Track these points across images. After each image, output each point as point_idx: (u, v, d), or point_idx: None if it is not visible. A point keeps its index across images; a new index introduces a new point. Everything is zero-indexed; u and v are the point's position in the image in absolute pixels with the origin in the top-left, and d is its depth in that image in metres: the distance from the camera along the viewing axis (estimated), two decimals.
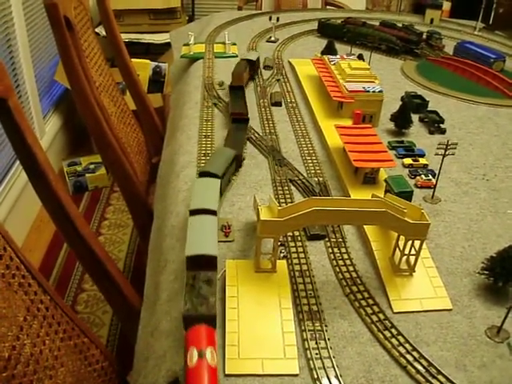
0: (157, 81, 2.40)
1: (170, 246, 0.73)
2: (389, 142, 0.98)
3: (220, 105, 1.12)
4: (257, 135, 1.00)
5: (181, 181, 0.87)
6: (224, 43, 1.47)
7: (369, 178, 0.81)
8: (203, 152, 0.93)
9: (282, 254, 0.68)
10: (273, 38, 1.58)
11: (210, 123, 1.04)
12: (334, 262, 0.68)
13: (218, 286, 0.63)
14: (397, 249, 0.66)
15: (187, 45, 1.46)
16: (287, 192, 0.81)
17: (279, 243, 0.68)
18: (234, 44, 1.50)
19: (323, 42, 1.44)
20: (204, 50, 1.46)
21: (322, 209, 0.57)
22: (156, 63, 2.38)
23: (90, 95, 1.06)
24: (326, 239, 0.72)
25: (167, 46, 2.61)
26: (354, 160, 0.80)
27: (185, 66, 1.49)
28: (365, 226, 0.72)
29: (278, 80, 1.27)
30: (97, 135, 1.09)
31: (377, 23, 1.62)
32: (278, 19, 1.56)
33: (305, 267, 0.66)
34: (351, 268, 0.66)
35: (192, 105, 1.16)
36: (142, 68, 2.29)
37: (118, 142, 1.08)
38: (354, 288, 0.63)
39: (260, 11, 2.07)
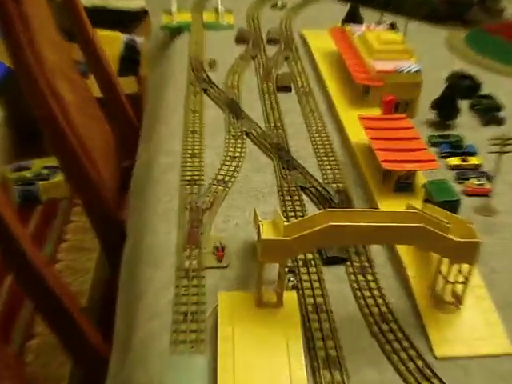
0: (130, 59, 2.42)
1: (146, 273, 0.75)
2: (429, 137, 0.99)
3: (211, 91, 1.15)
4: (259, 130, 1.02)
5: (161, 189, 0.89)
6: (216, 10, 1.49)
7: (402, 184, 0.83)
8: (189, 152, 0.95)
9: (290, 284, 0.69)
10: (279, 3, 1.60)
11: (199, 115, 1.07)
12: (358, 292, 0.69)
13: (209, 325, 0.64)
14: (439, 275, 0.67)
15: (169, 12, 1.49)
16: (297, 203, 0.83)
17: (287, 269, 0.70)
18: (230, 12, 1.52)
19: (345, 8, 1.46)
20: (190, 19, 1.48)
21: (342, 225, 0.59)
22: (129, 36, 2.41)
23: (40, 78, 1.08)
24: (348, 263, 0.73)
25: (144, 14, 2.63)
26: (383, 161, 0.81)
27: (166, 39, 1.51)
28: (397, 247, 0.74)
29: (287, 58, 1.30)
30: (50, 131, 1.10)
31: None
32: None
33: (320, 300, 0.67)
34: (380, 300, 0.68)
35: (175, 91, 1.18)
36: (111, 43, 2.31)
37: (78, 139, 1.10)
38: (384, 326, 0.64)
39: None
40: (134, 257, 0.83)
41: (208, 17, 1.50)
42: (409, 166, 0.81)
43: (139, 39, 2.41)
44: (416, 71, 1.03)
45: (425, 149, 0.85)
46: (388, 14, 1.50)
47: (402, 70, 1.03)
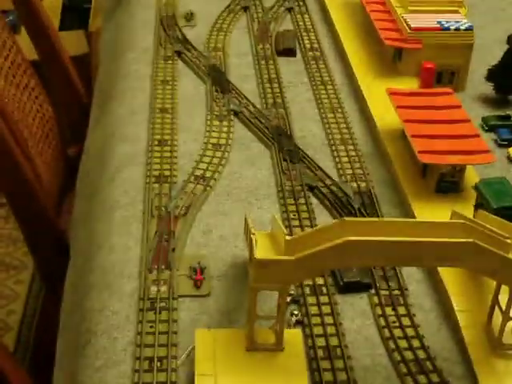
0: (76, 9, 2.41)
1: (97, 304, 0.74)
2: (484, 119, 0.99)
3: (188, 54, 1.14)
4: (252, 108, 1.02)
5: (118, 189, 0.88)
6: None
7: (446, 184, 0.82)
8: (157, 138, 0.95)
9: (294, 319, 0.69)
10: None
11: (170, 87, 1.06)
12: (387, 331, 0.68)
13: (182, 375, 0.64)
14: (496, 309, 0.66)
15: None
16: (304, 208, 0.83)
17: (289, 299, 0.69)
18: None
19: None
20: None
21: (364, 239, 0.58)
22: None
23: None
24: (372, 291, 0.73)
25: None
26: (421, 152, 0.81)
27: None
28: (439, 269, 0.73)
29: (290, 9, 1.30)
30: None
31: None
32: None
33: (334, 341, 0.67)
34: (416, 343, 0.67)
35: (138, 54, 1.18)
36: None
37: (3, 116, 1.09)
38: (423, 379, 0.63)
39: None
40: (80, 281, 0.82)
41: None
42: (455, 159, 0.81)
43: None
44: (466, 28, 1.03)
45: (477, 135, 0.84)
46: None
47: (448, 28, 1.03)
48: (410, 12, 1.07)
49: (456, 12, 1.08)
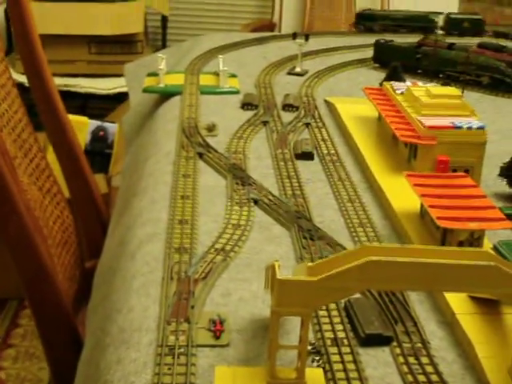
0: (98, 153, 2.53)
1: (114, 357, 0.74)
2: (500, 209, 1.01)
3: (209, 155, 1.20)
4: (271, 197, 1.06)
5: (138, 261, 0.91)
6: (216, 73, 1.59)
7: None
8: (178, 218, 0.98)
9: (315, 364, 0.69)
10: (298, 69, 1.72)
11: (191, 179, 1.11)
12: (410, 377, 0.68)
13: None
14: None
15: (154, 75, 1.59)
16: None
17: (310, 348, 0.70)
18: (234, 76, 1.63)
19: (382, 75, 1.57)
20: (184, 81, 1.58)
21: (386, 259, 0.59)
22: (98, 123, 2.53)
23: None
24: (394, 344, 0.73)
25: (118, 99, 2.79)
26: (439, 218, 0.84)
27: (148, 111, 1.60)
28: (463, 323, 0.74)
29: (308, 124, 1.37)
30: None
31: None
32: (307, 38, 1.72)
33: None
34: None
35: (160, 157, 1.24)
36: (76, 130, 2.43)
37: (26, 208, 1.13)
38: None
39: (278, 33, 2.26)
40: (98, 345, 0.83)
41: (205, 79, 1.61)
42: (473, 225, 0.83)
43: (112, 126, 2.52)
44: (478, 128, 1.08)
45: (492, 207, 0.88)
46: (439, 82, 1.61)
47: (460, 127, 1.08)
48: (424, 115, 1.13)
49: (468, 116, 1.14)
